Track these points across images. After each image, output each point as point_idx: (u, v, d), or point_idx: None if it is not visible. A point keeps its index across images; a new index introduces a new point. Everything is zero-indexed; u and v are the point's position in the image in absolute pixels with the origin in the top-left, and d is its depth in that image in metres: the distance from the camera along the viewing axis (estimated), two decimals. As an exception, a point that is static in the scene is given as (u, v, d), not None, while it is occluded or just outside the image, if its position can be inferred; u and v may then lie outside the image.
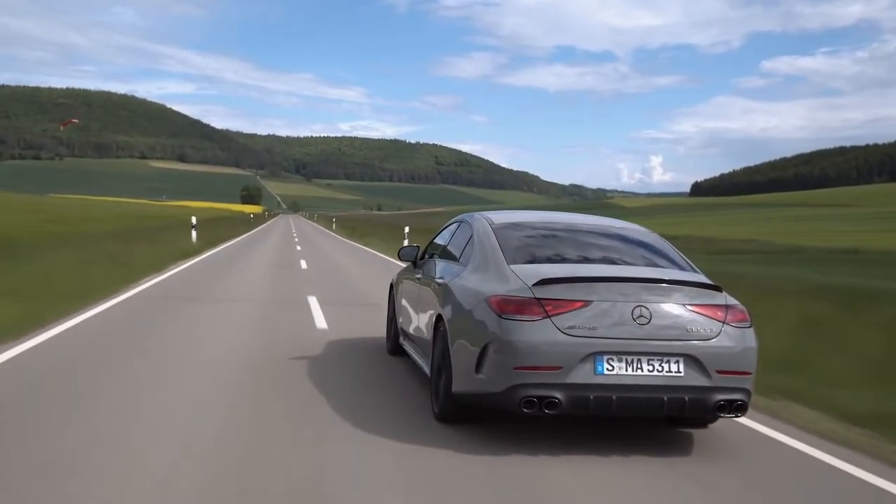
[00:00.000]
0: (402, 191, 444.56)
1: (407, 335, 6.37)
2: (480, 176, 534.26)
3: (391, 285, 7.37)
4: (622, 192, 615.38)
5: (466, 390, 4.38)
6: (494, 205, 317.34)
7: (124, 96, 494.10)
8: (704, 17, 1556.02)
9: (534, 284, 4.18)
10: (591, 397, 4.05)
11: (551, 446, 4.27)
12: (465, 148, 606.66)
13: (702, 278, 4.60)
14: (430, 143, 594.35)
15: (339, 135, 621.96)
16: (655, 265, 4.83)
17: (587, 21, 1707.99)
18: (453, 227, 5.97)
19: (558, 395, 4.03)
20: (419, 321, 5.76)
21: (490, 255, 4.79)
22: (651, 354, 4.11)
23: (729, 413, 4.27)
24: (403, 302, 6.56)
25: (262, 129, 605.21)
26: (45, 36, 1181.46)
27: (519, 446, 4.25)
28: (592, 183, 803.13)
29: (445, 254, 5.72)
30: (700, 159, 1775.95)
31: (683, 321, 4.18)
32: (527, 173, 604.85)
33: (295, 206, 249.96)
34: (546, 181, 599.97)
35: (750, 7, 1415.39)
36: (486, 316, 4.26)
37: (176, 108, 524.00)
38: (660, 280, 4.37)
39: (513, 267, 4.51)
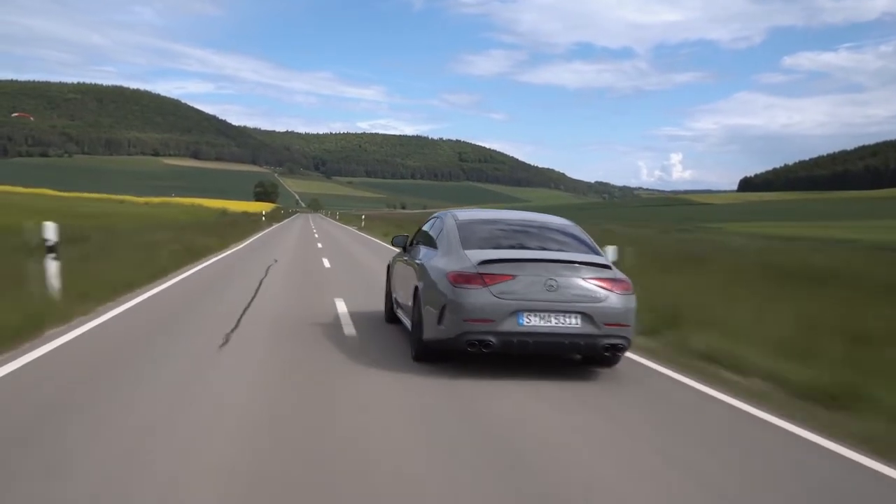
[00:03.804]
0: (425, 188, 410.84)
1: (398, 304, 7.97)
2: (506, 173, 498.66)
3: (388, 266, 9.12)
4: (646, 189, 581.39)
5: (433, 337, 6.13)
6: (521, 202, 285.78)
7: (137, 91, 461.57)
8: (725, 12, 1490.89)
9: (478, 263, 5.97)
10: (515, 340, 5.84)
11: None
12: (485, 145, 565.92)
13: (599, 259, 6.30)
14: (454, 139, 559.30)
15: (359, 132, 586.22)
16: (572, 249, 6.52)
17: (606, 17, 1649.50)
18: (433, 220, 7.68)
19: (492, 339, 5.81)
20: (405, 292, 7.34)
21: (452, 243, 6.55)
22: (557, 312, 5.86)
23: (613, 353, 6.14)
24: (396, 279, 8.33)
25: (280, 128, 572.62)
26: (65, 36, 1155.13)
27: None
28: (614, 180, 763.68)
29: (427, 241, 7.31)
30: (720, 156, 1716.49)
31: (581, 289, 5.94)
32: (553, 170, 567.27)
33: (315, 205, 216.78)
34: (573, 178, 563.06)
35: (771, 2, 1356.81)
36: (445, 286, 6.00)
37: (192, 104, 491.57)
38: (566, 261, 6.11)
39: (466, 251, 6.25)
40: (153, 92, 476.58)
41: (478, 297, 5.84)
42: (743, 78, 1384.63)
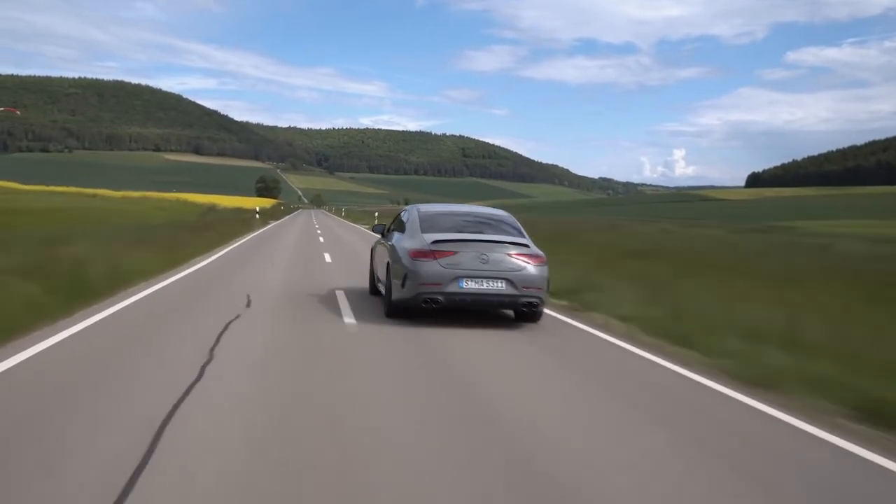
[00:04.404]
0: (428, 184, 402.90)
1: (378, 279, 9.90)
2: (509, 169, 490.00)
3: (371, 249, 11.03)
4: (650, 185, 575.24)
5: (398, 298, 8.02)
6: (525, 199, 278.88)
7: (138, 86, 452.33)
8: (728, 7, 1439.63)
9: (430, 243, 7.84)
10: (457, 298, 7.71)
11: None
12: (488, 141, 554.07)
13: (521, 240, 8.18)
14: (457, 134, 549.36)
15: (362, 128, 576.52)
16: (503, 232, 8.42)
17: (608, 12, 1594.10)
18: (405, 211, 9.60)
19: (440, 297, 7.68)
20: (381, 267, 9.36)
21: (415, 228, 8.42)
22: (488, 278, 7.69)
23: (530, 308, 8.00)
24: (376, 259, 10.31)
25: (282, 124, 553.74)
26: (67, 32, 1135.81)
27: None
28: (617, 176, 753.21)
29: (399, 227, 9.21)
30: (723, 152, 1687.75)
31: (506, 262, 7.79)
32: (556, 166, 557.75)
33: (318, 200, 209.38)
34: (577, 175, 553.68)
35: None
36: (407, 260, 7.88)
37: (194, 100, 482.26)
38: (495, 241, 7.97)
39: (424, 234, 8.10)
40: (154, 87, 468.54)
41: (430, 267, 7.73)
42: (746, 73, 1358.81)
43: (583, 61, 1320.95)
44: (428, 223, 8.41)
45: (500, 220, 8.90)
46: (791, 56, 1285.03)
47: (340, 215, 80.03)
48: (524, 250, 7.93)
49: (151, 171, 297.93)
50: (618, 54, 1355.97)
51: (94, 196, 45.65)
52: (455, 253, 7.69)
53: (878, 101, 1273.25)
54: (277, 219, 53.93)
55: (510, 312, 8.56)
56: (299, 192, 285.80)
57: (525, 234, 8.57)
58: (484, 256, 7.70)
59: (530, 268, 7.82)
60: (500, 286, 7.68)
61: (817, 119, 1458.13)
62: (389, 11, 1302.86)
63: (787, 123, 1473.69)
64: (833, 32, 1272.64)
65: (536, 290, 7.81)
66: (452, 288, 7.61)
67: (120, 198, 48.08)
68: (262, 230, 31.90)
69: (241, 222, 33.47)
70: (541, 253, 8.10)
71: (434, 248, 7.75)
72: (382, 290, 9.13)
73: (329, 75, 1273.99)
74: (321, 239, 27.14)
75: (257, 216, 42.00)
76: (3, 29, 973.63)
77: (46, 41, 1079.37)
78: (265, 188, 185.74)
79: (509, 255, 7.81)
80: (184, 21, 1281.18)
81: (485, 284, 7.66)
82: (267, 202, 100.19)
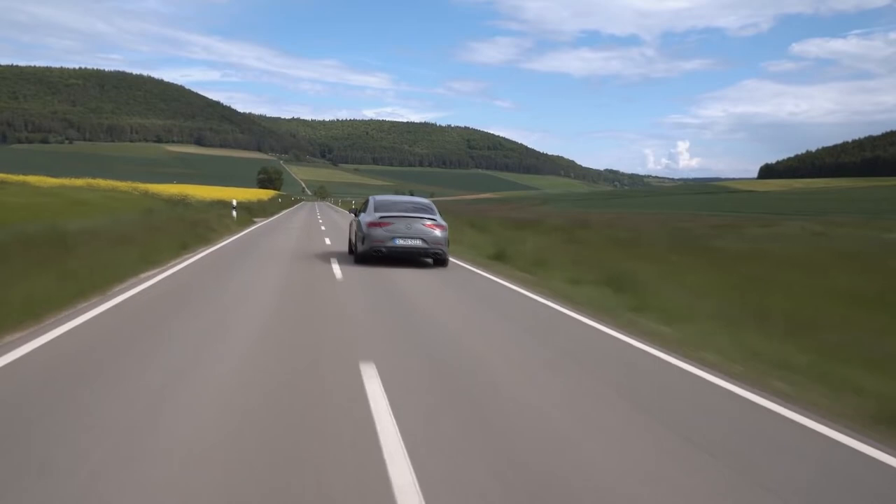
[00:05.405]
0: (433, 175, 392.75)
1: (352, 243, 15.48)
2: (515, 160, 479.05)
3: (350, 224, 16.87)
4: (655, 176, 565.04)
5: (361, 251, 13.91)
6: (534, 191, 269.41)
7: (139, 77, 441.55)
8: None
9: (379, 217, 13.71)
10: (394, 250, 13.62)
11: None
12: (492, 132, 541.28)
13: (433, 216, 14.13)
14: (462, 126, 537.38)
15: (366, 119, 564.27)
16: (424, 212, 14.20)
17: (613, 4, 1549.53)
18: (368, 199, 15.36)
19: (384, 249, 13.59)
20: (353, 235, 15.18)
21: (372, 209, 14.24)
22: (411, 238, 13.64)
23: (436, 257, 14.03)
24: (352, 231, 15.86)
25: (286, 115, 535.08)
26: (71, 24, 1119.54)
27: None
28: (623, 168, 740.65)
29: (364, 209, 14.88)
30: (727, 144, 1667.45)
31: (422, 228, 13.72)
32: (563, 158, 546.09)
33: (322, 192, 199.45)
34: (583, 166, 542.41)
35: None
36: (365, 228, 13.75)
37: (196, 91, 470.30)
38: (416, 216, 13.87)
39: (376, 213, 13.90)
40: (156, 77, 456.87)
41: (378, 232, 13.45)
42: (750, 65, 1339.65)
43: (587, 53, 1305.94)
44: (379, 206, 14.26)
45: (424, 205, 14.84)
46: (796, 48, 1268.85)
47: (350, 210, 68.31)
48: (433, 222, 13.81)
49: (152, 163, 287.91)
50: (622, 46, 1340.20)
51: (20, 184, 34.50)
52: (392, 223, 13.50)
53: (883, 93, 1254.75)
54: (269, 215, 42.80)
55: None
56: (303, 184, 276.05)
57: (437, 212, 14.52)
58: (409, 225, 13.55)
59: (437, 232, 13.70)
60: (418, 243, 13.57)
61: (822, 111, 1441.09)
62: (393, 3, 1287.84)
63: (791, 115, 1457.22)
64: (838, 24, 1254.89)
65: (440, 246, 13.73)
66: (390, 244, 13.47)
67: (56, 185, 36.87)
68: (222, 244, 18.07)
69: (194, 227, 19.94)
70: (444, 223, 14.17)
71: (380, 220, 13.53)
72: (354, 248, 15.07)
73: (333, 67, 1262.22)
74: (336, 272, 16.47)
75: (234, 213, 29.51)
76: (7, 20, 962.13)
77: (50, 33, 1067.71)
78: (267, 179, 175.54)
79: (424, 224, 13.64)
80: (187, 13, 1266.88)
81: (409, 242, 13.51)
82: (265, 193, 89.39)
